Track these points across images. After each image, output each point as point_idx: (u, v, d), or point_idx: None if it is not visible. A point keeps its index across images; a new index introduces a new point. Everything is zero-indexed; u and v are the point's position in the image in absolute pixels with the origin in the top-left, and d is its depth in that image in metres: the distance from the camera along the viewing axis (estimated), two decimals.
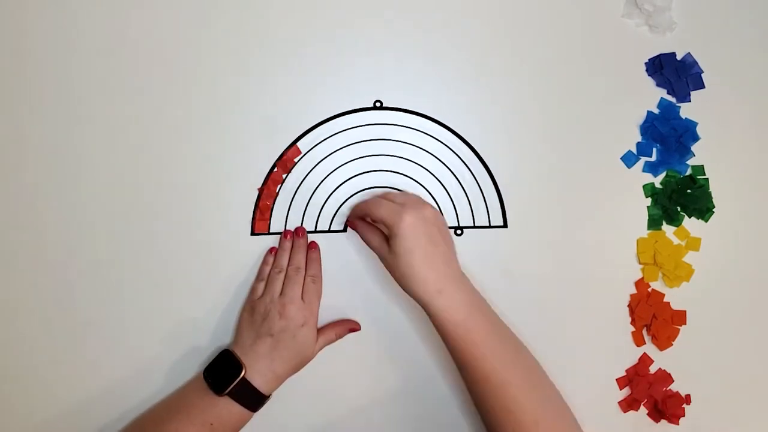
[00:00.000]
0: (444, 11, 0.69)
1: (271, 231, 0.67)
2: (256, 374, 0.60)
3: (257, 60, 0.68)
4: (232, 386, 0.59)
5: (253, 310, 0.63)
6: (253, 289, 0.65)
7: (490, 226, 0.68)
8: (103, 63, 0.68)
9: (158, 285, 0.67)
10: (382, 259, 0.61)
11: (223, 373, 0.60)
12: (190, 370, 0.66)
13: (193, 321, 0.67)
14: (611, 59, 0.70)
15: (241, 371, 0.59)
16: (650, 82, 0.70)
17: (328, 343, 0.65)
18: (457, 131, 0.68)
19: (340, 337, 0.66)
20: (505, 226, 0.68)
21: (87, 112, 0.68)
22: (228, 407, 0.59)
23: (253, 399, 0.60)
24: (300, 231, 0.67)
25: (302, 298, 0.63)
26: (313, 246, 0.67)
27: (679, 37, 0.70)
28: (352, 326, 0.66)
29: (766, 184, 0.69)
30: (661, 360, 0.68)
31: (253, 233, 0.67)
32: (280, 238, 0.67)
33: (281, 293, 0.63)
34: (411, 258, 0.57)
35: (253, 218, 0.67)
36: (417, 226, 0.57)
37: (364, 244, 0.67)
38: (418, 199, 0.61)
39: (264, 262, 0.67)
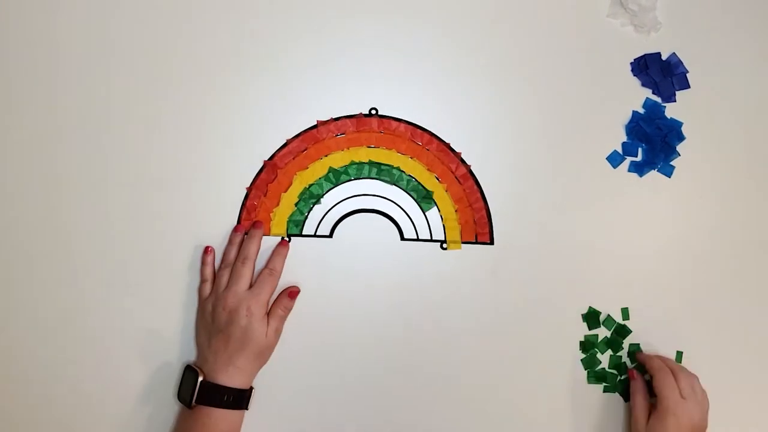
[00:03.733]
0: (439, 21, 0.69)
1: None
2: (218, 372, 0.59)
3: (252, 61, 0.67)
4: (195, 394, 0.59)
5: (203, 312, 0.63)
6: (199, 293, 0.65)
7: (476, 242, 0.68)
8: (89, 63, 0.67)
9: (141, 282, 0.66)
10: (635, 423, 0.64)
11: (189, 387, 0.60)
12: (172, 366, 0.66)
13: (177, 319, 0.66)
14: (596, 59, 0.70)
15: (197, 376, 0.59)
16: (635, 82, 0.70)
17: (282, 321, 0.64)
18: (451, 144, 0.68)
19: (288, 309, 0.64)
20: (491, 242, 0.68)
21: (72, 111, 0.66)
22: (207, 415, 0.59)
23: (227, 397, 0.59)
24: (257, 223, 0.66)
25: (250, 288, 0.62)
26: (283, 243, 0.66)
27: (664, 37, 0.70)
28: (290, 291, 0.65)
29: (751, 182, 0.70)
30: None
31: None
32: (231, 233, 0.66)
33: (226, 288, 0.62)
34: None
35: (240, 218, 0.67)
36: (683, 427, 0.61)
37: (349, 249, 0.67)
38: (703, 403, 0.63)
39: (202, 262, 0.65)
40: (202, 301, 0.64)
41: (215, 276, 0.65)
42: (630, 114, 0.69)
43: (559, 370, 0.68)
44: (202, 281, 0.65)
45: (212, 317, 0.61)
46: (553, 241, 0.69)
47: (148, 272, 0.66)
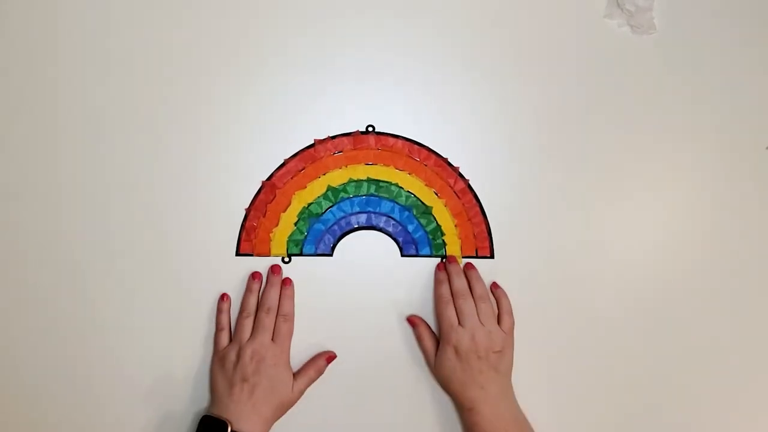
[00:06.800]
0: (432, 35, 0.69)
1: (255, 252, 0.67)
2: (242, 422, 0.58)
3: (249, 80, 0.68)
4: None
5: (224, 360, 0.62)
6: (216, 342, 0.64)
7: (476, 256, 0.68)
8: (89, 86, 0.67)
9: (136, 301, 0.66)
10: (429, 365, 0.65)
11: None
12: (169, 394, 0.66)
13: (174, 348, 0.66)
14: (594, 60, 0.70)
15: (227, 427, 0.57)
16: (633, 83, 0.70)
17: (311, 382, 0.64)
18: (449, 159, 0.68)
19: (320, 372, 0.64)
20: (491, 256, 0.68)
21: (70, 136, 0.67)
22: None
23: None
24: (275, 269, 0.66)
25: (273, 339, 0.62)
26: (287, 283, 0.66)
27: (662, 37, 0.70)
28: (329, 356, 0.65)
29: (749, 184, 0.70)
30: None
31: (238, 253, 0.67)
32: (248, 279, 0.66)
33: (250, 337, 0.62)
34: (450, 376, 0.62)
35: (239, 239, 0.67)
36: (464, 355, 0.61)
37: (349, 267, 0.67)
38: (488, 325, 0.62)
39: (219, 310, 0.65)
40: (221, 350, 0.63)
41: (230, 324, 0.65)
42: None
43: (560, 381, 0.67)
44: (219, 329, 0.64)
45: (235, 366, 0.61)
46: (554, 254, 0.68)
47: (146, 294, 0.66)
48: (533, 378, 0.66)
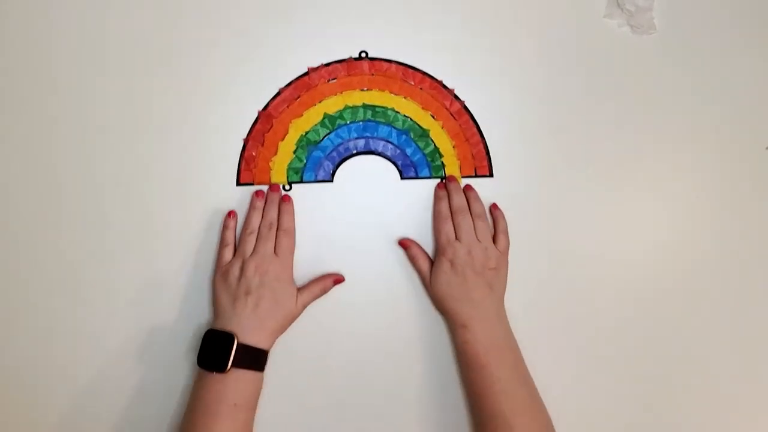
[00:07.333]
0: None
1: (256, 181, 0.67)
2: (248, 334, 0.58)
3: (242, 10, 0.68)
4: (232, 357, 0.57)
5: (227, 274, 0.62)
6: (220, 257, 0.64)
7: (476, 176, 0.68)
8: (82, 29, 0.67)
9: (140, 235, 0.66)
10: (424, 282, 0.66)
11: (218, 351, 0.58)
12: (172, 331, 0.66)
13: (176, 273, 0.66)
14: (593, 60, 0.70)
15: (234, 339, 0.57)
16: (632, 81, 0.70)
17: (314, 298, 0.64)
18: (443, 81, 0.69)
19: (325, 290, 0.65)
20: (490, 175, 0.68)
21: (68, 78, 0.67)
22: (239, 378, 0.57)
23: (256, 358, 0.59)
24: (274, 186, 0.66)
25: (275, 252, 0.63)
26: (286, 198, 0.66)
27: (662, 37, 0.70)
28: (336, 278, 0.66)
29: (749, 184, 0.70)
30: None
31: (238, 183, 0.67)
32: (252, 197, 0.66)
33: (253, 251, 0.62)
34: (445, 291, 0.62)
35: (239, 169, 0.67)
36: (459, 268, 0.62)
37: (350, 193, 0.68)
38: (485, 241, 0.63)
39: (225, 226, 0.65)
40: (224, 264, 0.63)
41: (236, 241, 0.65)
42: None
43: (560, 381, 0.65)
44: (224, 245, 0.64)
45: (239, 280, 0.61)
46: (552, 169, 0.69)
47: (149, 227, 0.66)
48: (534, 300, 0.67)
